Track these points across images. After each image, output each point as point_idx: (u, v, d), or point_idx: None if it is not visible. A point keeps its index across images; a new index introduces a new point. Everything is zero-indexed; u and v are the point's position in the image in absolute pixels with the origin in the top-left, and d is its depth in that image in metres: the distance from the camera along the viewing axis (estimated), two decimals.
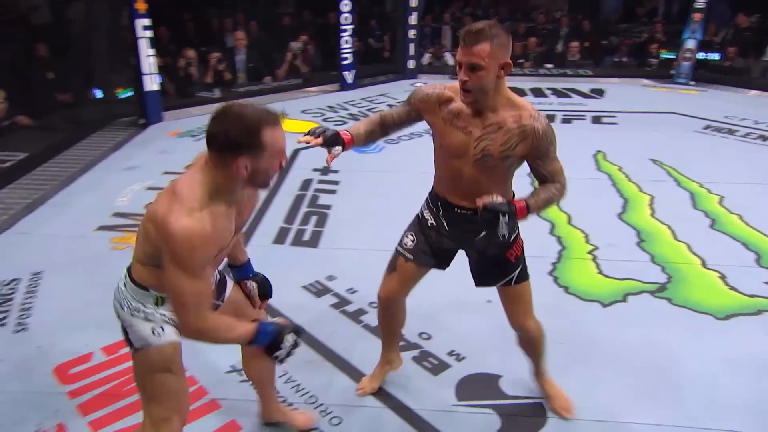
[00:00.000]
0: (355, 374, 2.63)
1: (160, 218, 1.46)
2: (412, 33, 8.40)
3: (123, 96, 6.57)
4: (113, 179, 4.96)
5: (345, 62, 7.87)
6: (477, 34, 1.75)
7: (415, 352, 2.77)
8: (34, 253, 3.71)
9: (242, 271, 2.00)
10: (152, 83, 6.19)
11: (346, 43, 7.78)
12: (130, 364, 2.62)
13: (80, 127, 5.74)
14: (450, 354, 2.75)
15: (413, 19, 8.34)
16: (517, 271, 2.13)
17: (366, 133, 2.09)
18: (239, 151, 1.46)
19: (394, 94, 7.77)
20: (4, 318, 3.02)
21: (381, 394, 2.49)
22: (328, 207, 4.41)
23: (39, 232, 4.02)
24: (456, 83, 1.89)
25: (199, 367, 2.63)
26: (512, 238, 2.02)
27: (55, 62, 5.86)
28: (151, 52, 6.05)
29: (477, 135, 1.91)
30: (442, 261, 2.25)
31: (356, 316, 3.06)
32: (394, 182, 4.88)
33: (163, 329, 1.67)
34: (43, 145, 5.27)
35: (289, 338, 1.66)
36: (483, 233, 2.06)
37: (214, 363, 2.65)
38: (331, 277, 3.42)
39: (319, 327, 2.94)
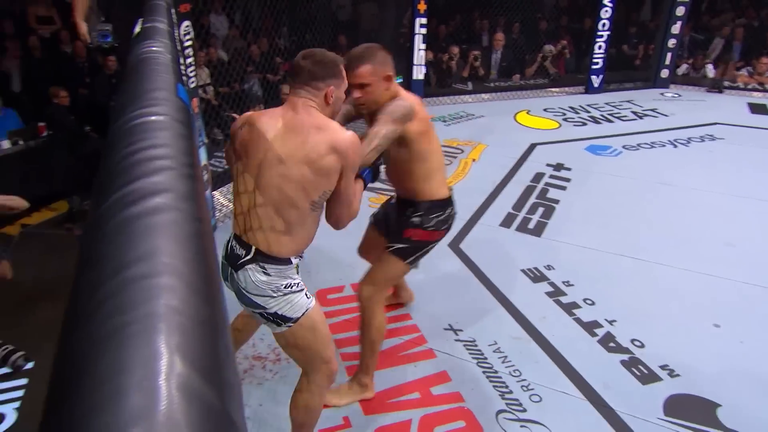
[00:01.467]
0: (558, 358, 2.50)
1: (333, 143, 1.54)
2: (671, 42, 7.44)
3: (396, 82, 7.02)
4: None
5: (595, 66, 7.32)
6: (358, 58, 1.86)
7: (625, 357, 2.51)
8: None
9: None
10: (419, 73, 6.50)
11: (599, 48, 7.22)
12: None
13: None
14: (663, 367, 2.44)
15: (676, 28, 7.36)
16: (400, 246, 2.15)
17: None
18: (328, 79, 1.60)
19: (640, 101, 7.01)
20: None
21: (584, 387, 2.32)
22: (556, 201, 4.20)
23: None
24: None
25: (421, 319, 2.76)
26: (420, 225, 2.12)
27: (349, 50, 6.50)
28: (423, 46, 6.35)
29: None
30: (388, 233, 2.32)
31: (569, 308, 2.88)
32: (627, 188, 4.44)
33: (310, 292, 1.70)
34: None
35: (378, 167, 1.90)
36: (402, 217, 2.18)
37: (435, 317, 2.75)
38: (549, 267, 3.27)
39: (531, 309, 2.85)
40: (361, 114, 2.14)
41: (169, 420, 0.24)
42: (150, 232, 0.36)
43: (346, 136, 1.56)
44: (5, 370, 2.29)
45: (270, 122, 1.59)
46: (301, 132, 1.55)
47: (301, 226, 1.62)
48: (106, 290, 0.30)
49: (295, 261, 1.65)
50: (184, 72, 3.09)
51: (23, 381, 2.25)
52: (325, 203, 1.68)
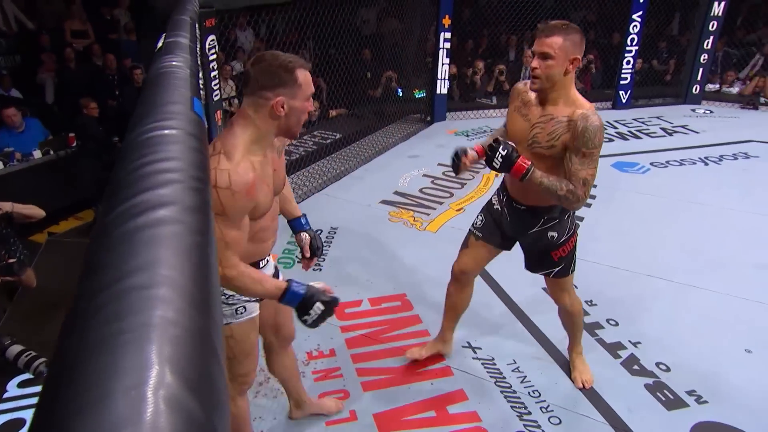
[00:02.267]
0: None
1: (213, 179, 1.34)
2: (703, 57, 7.33)
3: (418, 96, 7.07)
4: (398, 163, 5.40)
5: (623, 82, 7.24)
6: (553, 28, 1.78)
7: (649, 381, 2.45)
8: (334, 212, 4.25)
9: (296, 223, 1.96)
10: (443, 87, 6.53)
11: (628, 63, 7.15)
12: (389, 316, 2.92)
13: (382, 119, 6.37)
14: (689, 393, 2.37)
15: (708, 43, 7.25)
16: (558, 268, 2.14)
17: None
18: (277, 88, 1.38)
19: (670, 117, 6.90)
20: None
21: (606, 410, 2.27)
22: (580, 218, 4.14)
23: (340, 197, 4.59)
24: None
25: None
26: (561, 239, 2.07)
27: (374, 64, 6.58)
28: (447, 60, 6.39)
29: (533, 122, 1.91)
30: (506, 242, 2.26)
31: (592, 328, 2.82)
32: (654, 206, 4.36)
33: (245, 308, 1.65)
34: (353, 130, 5.99)
35: (319, 306, 1.46)
36: (533, 230, 2.08)
37: (454, 335, 2.72)
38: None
39: (552, 329, 2.79)
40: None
41: (152, 428, 0.25)
42: (152, 244, 0.37)
43: (223, 177, 1.33)
44: (27, 375, 2.34)
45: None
46: (210, 156, 1.37)
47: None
48: (105, 297, 0.32)
49: None
50: (204, 85, 3.17)
51: None
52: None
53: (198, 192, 0.48)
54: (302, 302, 1.46)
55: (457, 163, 2.03)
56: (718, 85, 7.94)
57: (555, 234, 2.06)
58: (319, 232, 3.88)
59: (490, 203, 2.27)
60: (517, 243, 2.25)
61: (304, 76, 1.42)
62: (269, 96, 1.39)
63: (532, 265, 2.22)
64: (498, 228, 2.22)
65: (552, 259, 2.12)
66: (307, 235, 1.95)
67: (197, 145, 0.60)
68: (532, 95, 1.92)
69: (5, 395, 2.28)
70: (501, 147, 1.83)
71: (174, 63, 0.90)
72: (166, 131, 0.57)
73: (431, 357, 2.60)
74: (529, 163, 1.84)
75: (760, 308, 2.98)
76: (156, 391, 0.26)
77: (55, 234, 3.69)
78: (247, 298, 1.63)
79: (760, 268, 3.39)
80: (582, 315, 2.37)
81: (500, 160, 1.83)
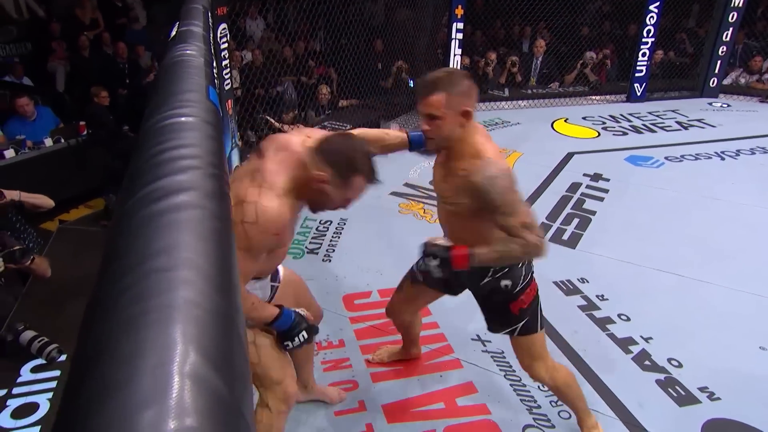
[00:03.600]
0: (590, 375, 2.45)
1: (251, 199, 1.37)
2: (722, 50, 7.22)
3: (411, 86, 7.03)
4: (409, 155, 5.36)
5: (638, 74, 7.17)
6: (433, 85, 1.61)
7: (660, 376, 2.45)
8: None
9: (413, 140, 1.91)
10: None
11: (643, 55, 7.07)
12: None
13: (393, 109, 6.35)
14: (702, 389, 2.37)
15: (727, 35, 7.14)
16: (521, 323, 1.87)
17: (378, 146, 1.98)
18: (333, 168, 1.41)
19: (686, 111, 6.82)
20: (318, 247, 3.56)
21: (617, 405, 2.27)
22: (593, 212, 4.12)
23: None
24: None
25: (449, 328, 2.75)
26: (517, 289, 1.83)
27: (385, 55, 6.56)
28: (459, 51, 6.35)
29: (439, 179, 1.78)
30: (451, 291, 2.09)
31: (603, 323, 2.82)
32: (668, 201, 4.32)
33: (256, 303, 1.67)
34: (364, 120, 5.98)
35: (304, 333, 1.61)
36: (484, 281, 1.84)
37: (463, 327, 2.73)
38: (583, 280, 3.21)
39: (563, 323, 2.80)
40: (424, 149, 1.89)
41: (178, 405, 0.25)
42: (172, 228, 0.38)
43: (265, 214, 1.37)
44: (40, 361, 2.38)
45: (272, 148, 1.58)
46: (245, 182, 1.48)
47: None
48: (129, 280, 0.33)
49: None
50: (218, 74, 3.18)
51: (56, 372, 2.33)
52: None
53: (216, 178, 0.49)
54: (290, 327, 1.59)
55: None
56: (737, 78, 7.82)
57: (509, 283, 1.82)
58: (328, 223, 3.90)
59: None
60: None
61: (359, 183, 1.46)
62: (321, 167, 1.41)
63: (492, 323, 1.95)
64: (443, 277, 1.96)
65: (512, 313, 1.85)
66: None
67: (213, 132, 0.61)
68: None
69: (19, 380, 2.32)
70: (431, 258, 1.70)
71: (188, 52, 0.90)
72: (183, 119, 0.58)
73: (440, 349, 2.62)
74: (466, 249, 1.67)
75: None
76: (181, 369, 0.27)
77: (65, 222, 3.73)
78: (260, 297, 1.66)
79: None
80: (573, 383, 2.01)
81: (439, 268, 1.71)
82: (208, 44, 1.19)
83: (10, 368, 2.38)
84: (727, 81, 7.73)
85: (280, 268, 1.84)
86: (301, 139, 1.52)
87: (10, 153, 4.51)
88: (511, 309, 1.86)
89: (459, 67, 6.45)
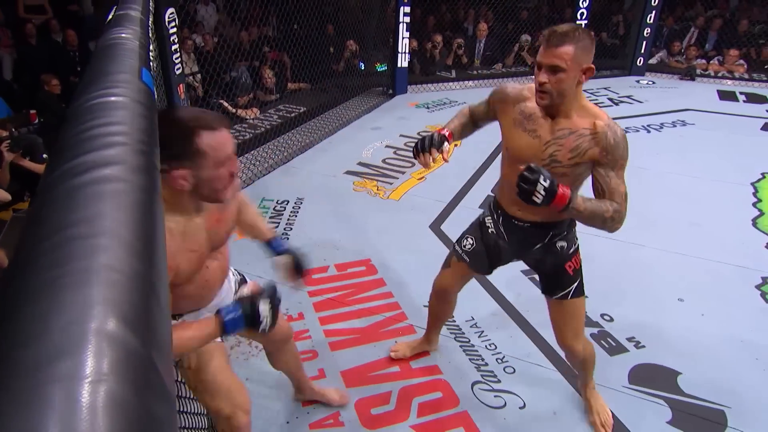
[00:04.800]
0: (532, 333, 2.55)
1: None
2: (646, 31, 7.46)
3: (380, 70, 6.99)
4: (362, 136, 5.37)
5: None
6: (562, 36, 1.47)
7: (594, 330, 2.57)
8: (300, 183, 4.22)
9: (272, 245, 1.70)
10: (403, 61, 6.48)
11: None
12: (355, 280, 2.95)
13: (345, 92, 6.29)
14: (629, 340, 2.50)
15: (651, 18, 7.38)
16: (575, 284, 1.83)
17: (461, 126, 1.85)
18: (174, 161, 1.11)
19: (616, 88, 7.05)
20: (276, 226, 3.53)
21: (555, 358, 2.38)
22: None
23: (305, 168, 4.56)
24: (533, 84, 1.59)
25: (403, 297, 2.80)
26: (571, 250, 1.80)
27: (336, 39, 6.46)
28: (407, 34, 6.32)
29: (546, 139, 1.60)
30: (495, 266, 2.01)
31: None
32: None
33: None
34: (317, 103, 5.90)
35: (264, 306, 1.26)
36: (540, 244, 1.78)
37: (416, 295, 2.78)
38: None
39: (507, 287, 2.89)
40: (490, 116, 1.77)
41: (91, 359, 0.26)
42: (95, 199, 0.37)
43: None
44: None
45: None
46: None
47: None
48: (46, 246, 0.32)
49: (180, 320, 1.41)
50: (163, 59, 3.06)
51: None
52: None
53: (144, 154, 0.48)
54: (247, 319, 1.24)
55: (424, 150, 1.68)
56: (659, 57, 8.11)
57: (564, 244, 1.78)
58: (285, 202, 3.86)
59: (482, 225, 1.95)
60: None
61: (210, 139, 1.13)
62: (165, 168, 1.10)
63: (546, 285, 1.89)
64: (488, 255, 1.94)
65: (567, 273, 1.82)
66: (284, 257, 1.67)
67: (145, 112, 0.59)
68: (534, 106, 1.62)
69: None
70: (541, 177, 1.43)
71: (123, 35, 0.87)
72: (112, 98, 0.57)
73: (395, 316, 2.66)
74: (569, 189, 1.49)
75: (692, 261, 3.14)
76: (95, 327, 0.27)
77: (20, 211, 3.56)
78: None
79: (693, 225, 3.56)
80: (594, 356, 2.01)
81: (543, 193, 1.43)
82: (145, 28, 1.14)
83: None
84: (653, 61, 8.02)
85: (249, 281, 1.65)
86: None
87: None
88: (567, 270, 1.82)
89: (407, 50, 6.42)
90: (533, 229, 1.77)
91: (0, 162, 3.43)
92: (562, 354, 2.39)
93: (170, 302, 1.17)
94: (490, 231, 1.91)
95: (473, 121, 1.87)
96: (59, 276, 0.30)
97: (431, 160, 1.67)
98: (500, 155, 1.82)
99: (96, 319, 0.28)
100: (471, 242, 1.97)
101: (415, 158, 1.70)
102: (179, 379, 1.50)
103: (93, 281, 0.30)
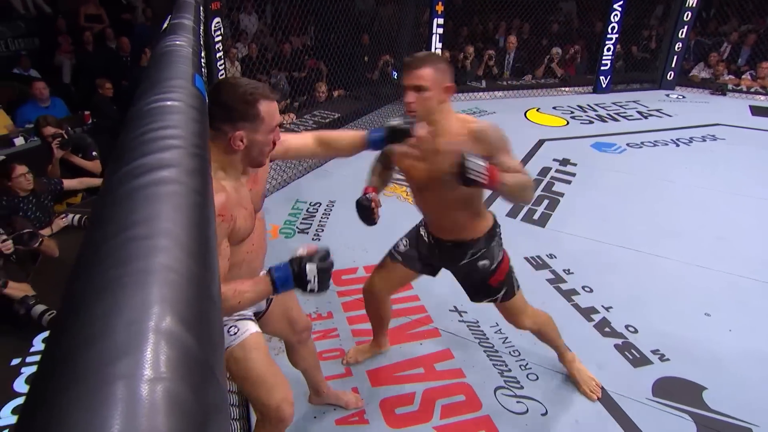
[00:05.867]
0: None
1: None
2: (678, 46, 7.25)
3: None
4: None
5: (603, 67, 7.18)
6: (421, 60, 1.61)
7: (618, 341, 2.50)
8: (332, 186, 4.25)
9: (371, 138, 1.68)
10: None
11: (608, 50, 7.08)
12: None
13: (378, 100, 6.30)
14: (654, 352, 2.42)
15: (683, 32, 7.17)
16: (501, 293, 1.93)
17: (380, 180, 1.99)
18: (236, 122, 1.21)
19: (646, 102, 6.86)
20: (308, 227, 3.55)
21: None
22: (561, 194, 4.15)
23: (338, 172, 4.58)
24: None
25: (429, 300, 2.77)
26: (493, 266, 1.87)
27: (371, 49, 6.48)
28: (440, 45, 6.30)
29: (433, 158, 1.68)
30: (428, 270, 2.07)
31: (568, 294, 2.86)
32: (629, 184, 4.36)
33: (238, 327, 1.46)
34: (351, 110, 5.93)
35: (311, 267, 1.22)
36: (463, 262, 1.87)
37: (441, 299, 2.76)
38: (551, 255, 3.25)
39: (532, 295, 2.80)
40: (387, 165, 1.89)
41: (151, 358, 0.25)
42: (153, 200, 0.38)
43: None
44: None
45: None
46: None
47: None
48: (108, 247, 0.32)
49: None
50: (209, 66, 3.12)
51: None
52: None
53: (198, 157, 0.49)
54: (295, 278, 1.23)
55: (369, 213, 1.78)
56: (699, 70, 7.84)
57: (486, 262, 1.86)
58: (318, 204, 3.89)
59: (418, 234, 2.02)
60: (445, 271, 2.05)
61: (267, 107, 1.24)
62: (227, 129, 1.21)
63: (473, 295, 1.99)
64: (419, 257, 2.01)
65: (492, 287, 1.90)
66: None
67: (198, 116, 0.60)
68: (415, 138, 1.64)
69: (32, 350, 2.31)
70: (476, 158, 1.50)
71: (177, 42, 0.89)
72: (168, 102, 0.57)
73: (420, 319, 2.64)
74: (496, 167, 1.55)
75: (718, 276, 3.03)
76: (155, 326, 0.27)
77: (73, 205, 3.68)
78: (237, 317, 1.46)
79: (720, 239, 3.43)
80: (551, 323, 2.11)
81: (481, 172, 1.49)
82: (197, 36, 1.16)
83: (23, 339, 2.36)
84: (695, 72, 7.76)
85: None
86: None
87: (19, 140, 4.41)
88: (491, 284, 1.90)
89: None
90: (453, 248, 1.87)
91: (51, 158, 3.57)
92: (585, 362, 2.34)
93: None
94: (423, 239, 2.00)
95: (385, 167, 1.99)
96: (120, 276, 0.30)
97: (376, 217, 1.79)
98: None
99: (155, 318, 0.28)
100: (405, 244, 2.06)
101: (368, 223, 1.81)
102: None
103: (152, 281, 0.30)
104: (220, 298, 0.36)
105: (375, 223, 1.80)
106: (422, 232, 2.00)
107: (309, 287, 1.24)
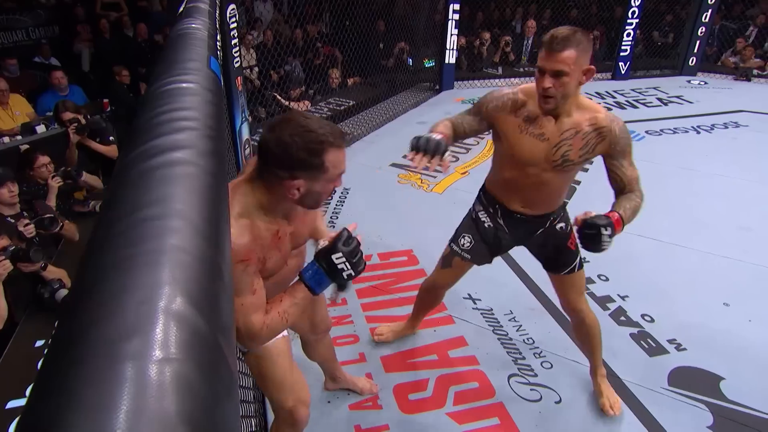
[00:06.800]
0: (570, 329, 2.46)
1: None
2: (701, 30, 7.04)
3: (427, 66, 6.91)
4: (408, 130, 5.32)
5: (623, 53, 7.02)
6: (564, 41, 1.44)
7: (634, 330, 2.47)
8: (347, 174, 4.19)
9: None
10: (451, 57, 6.37)
11: (628, 36, 6.91)
12: (397, 270, 2.94)
13: (393, 87, 6.25)
14: (670, 341, 2.39)
15: (707, 16, 6.96)
16: (578, 259, 1.86)
17: (450, 135, 1.70)
18: (296, 171, 1.08)
19: (666, 88, 6.70)
20: (324, 214, 3.54)
21: None
22: (578, 182, 4.08)
23: (353, 160, 4.55)
24: (528, 85, 1.59)
25: None
26: (568, 228, 1.82)
27: (387, 35, 6.42)
28: (455, 31, 6.21)
29: (555, 141, 1.59)
30: (495, 255, 1.99)
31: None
32: (647, 172, 4.21)
33: None
34: (366, 97, 5.89)
35: (338, 256, 1.17)
36: (541, 229, 1.81)
37: (455, 287, 2.73)
38: None
39: (547, 283, 2.77)
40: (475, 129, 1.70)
41: (161, 338, 0.25)
42: (166, 181, 0.37)
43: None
44: None
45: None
46: None
47: None
48: (121, 227, 0.32)
49: None
50: (224, 52, 3.12)
51: None
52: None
53: (212, 139, 0.48)
54: (329, 273, 1.18)
55: (427, 152, 1.51)
56: (726, 58, 7.62)
57: (563, 224, 1.82)
58: (332, 193, 3.89)
59: (476, 221, 1.91)
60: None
61: (334, 157, 1.11)
62: (284, 176, 1.09)
63: (553, 265, 1.90)
64: (488, 248, 1.92)
65: (570, 250, 1.84)
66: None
67: (213, 98, 0.59)
68: (534, 110, 1.59)
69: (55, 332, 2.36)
70: (602, 229, 1.45)
71: (193, 25, 0.88)
72: (183, 84, 0.57)
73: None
74: (617, 215, 1.52)
75: (740, 266, 2.96)
76: (165, 306, 0.26)
77: (92, 192, 3.75)
78: None
79: (743, 229, 3.35)
80: (599, 328, 2.01)
81: (609, 240, 1.47)
82: (213, 19, 1.15)
83: (48, 322, 2.41)
84: (726, 57, 7.53)
85: None
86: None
87: (41, 128, 4.47)
88: (569, 247, 1.84)
89: (455, 46, 6.32)
90: (535, 219, 1.79)
91: (68, 143, 3.61)
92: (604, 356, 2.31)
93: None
94: (486, 225, 1.88)
95: (454, 136, 1.73)
96: (132, 256, 0.29)
97: (428, 165, 1.51)
98: (492, 156, 1.81)
99: (165, 298, 0.27)
100: (469, 240, 1.94)
101: (411, 152, 1.52)
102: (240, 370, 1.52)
103: (163, 262, 0.30)
104: (233, 287, 0.36)
105: (420, 167, 1.52)
106: (483, 218, 1.88)
107: (345, 275, 1.18)
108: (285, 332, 1.45)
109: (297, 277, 1.23)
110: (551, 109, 1.55)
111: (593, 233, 1.46)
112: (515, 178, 1.71)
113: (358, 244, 1.20)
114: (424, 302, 2.25)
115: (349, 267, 1.17)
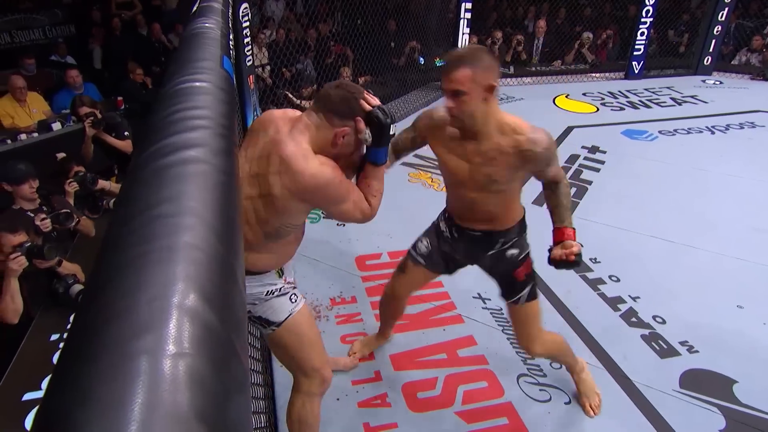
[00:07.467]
0: (581, 329, 2.45)
1: (300, 173, 1.26)
2: (717, 29, 6.94)
3: (439, 65, 6.88)
4: None
5: (636, 53, 6.94)
6: (457, 60, 1.45)
7: (645, 332, 2.44)
8: None
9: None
10: None
11: (642, 35, 6.83)
12: None
13: (404, 85, 6.24)
14: (682, 343, 2.36)
15: (723, 15, 6.85)
16: (527, 289, 1.78)
17: (394, 157, 1.79)
18: (347, 118, 1.30)
19: (680, 88, 6.61)
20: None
21: (604, 357, 2.28)
22: (589, 182, 4.06)
23: None
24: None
25: (452, 287, 2.75)
26: (521, 256, 1.76)
27: (398, 34, 6.41)
28: (467, 30, 6.18)
29: (477, 161, 1.57)
30: (452, 269, 1.96)
31: (594, 283, 2.81)
32: (660, 172, 4.23)
33: (296, 295, 1.55)
34: (377, 95, 5.87)
35: (374, 110, 1.34)
36: (492, 251, 1.77)
37: (465, 286, 2.74)
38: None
39: (557, 283, 2.79)
40: (415, 143, 1.74)
41: (173, 334, 0.25)
42: (180, 179, 0.37)
43: (322, 170, 1.28)
44: None
45: (271, 129, 1.34)
46: (275, 154, 1.29)
47: (275, 244, 1.42)
48: (135, 224, 0.32)
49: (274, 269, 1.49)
50: (237, 51, 3.13)
51: None
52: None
53: (224, 138, 0.48)
54: (379, 129, 1.35)
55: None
56: (741, 57, 7.50)
57: (515, 251, 1.76)
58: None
59: (438, 230, 1.91)
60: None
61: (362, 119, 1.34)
62: (336, 123, 1.31)
63: (501, 290, 1.86)
64: (444, 257, 1.91)
65: (518, 279, 1.78)
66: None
67: (225, 97, 0.60)
68: (455, 129, 1.59)
69: (69, 326, 2.39)
70: (576, 260, 1.65)
71: (206, 25, 0.89)
72: (197, 83, 0.57)
73: (444, 305, 2.63)
74: (566, 229, 1.67)
75: (755, 268, 2.92)
76: (178, 303, 0.27)
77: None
78: (292, 286, 1.54)
79: (758, 231, 3.30)
80: (562, 344, 1.97)
81: (579, 258, 1.65)
82: (225, 18, 1.16)
83: (63, 316, 2.45)
84: (735, 61, 7.43)
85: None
86: (282, 113, 1.40)
87: (56, 125, 4.53)
88: (517, 276, 1.78)
89: (466, 45, 6.29)
90: (483, 236, 1.76)
91: (83, 137, 3.66)
92: (610, 353, 2.30)
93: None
94: (445, 235, 1.88)
95: (395, 153, 1.78)
96: (145, 253, 0.30)
97: None
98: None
99: (179, 295, 0.28)
100: (426, 245, 1.93)
101: None
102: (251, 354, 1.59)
103: (176, 259, 0.30)
104: (243, 277, 0.36)
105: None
106: (443, 227, 1.89)
107: (388, 121, 1.36)
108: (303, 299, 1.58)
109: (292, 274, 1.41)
110: (460, 127, 1.55)
111: (567, 266, 1.66)
112: (452, 194, 1.77)
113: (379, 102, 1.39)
114: (385, 310, 2.21)
115: (386, 115, 1.35)
